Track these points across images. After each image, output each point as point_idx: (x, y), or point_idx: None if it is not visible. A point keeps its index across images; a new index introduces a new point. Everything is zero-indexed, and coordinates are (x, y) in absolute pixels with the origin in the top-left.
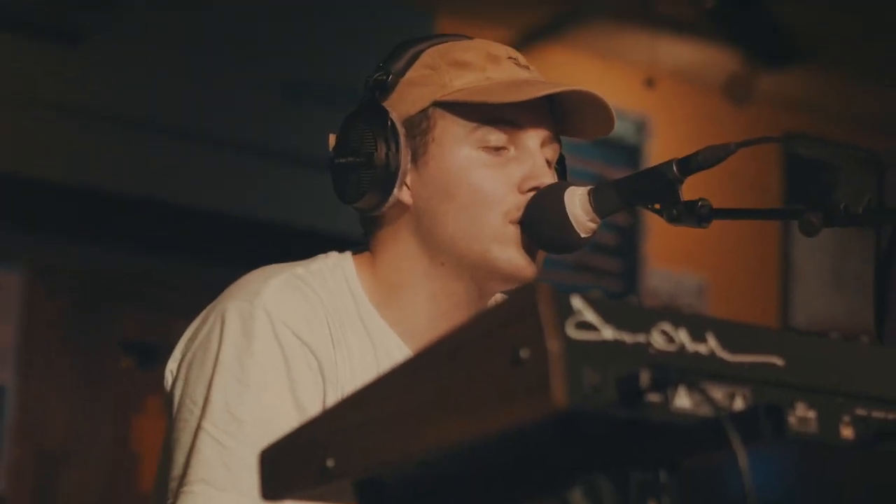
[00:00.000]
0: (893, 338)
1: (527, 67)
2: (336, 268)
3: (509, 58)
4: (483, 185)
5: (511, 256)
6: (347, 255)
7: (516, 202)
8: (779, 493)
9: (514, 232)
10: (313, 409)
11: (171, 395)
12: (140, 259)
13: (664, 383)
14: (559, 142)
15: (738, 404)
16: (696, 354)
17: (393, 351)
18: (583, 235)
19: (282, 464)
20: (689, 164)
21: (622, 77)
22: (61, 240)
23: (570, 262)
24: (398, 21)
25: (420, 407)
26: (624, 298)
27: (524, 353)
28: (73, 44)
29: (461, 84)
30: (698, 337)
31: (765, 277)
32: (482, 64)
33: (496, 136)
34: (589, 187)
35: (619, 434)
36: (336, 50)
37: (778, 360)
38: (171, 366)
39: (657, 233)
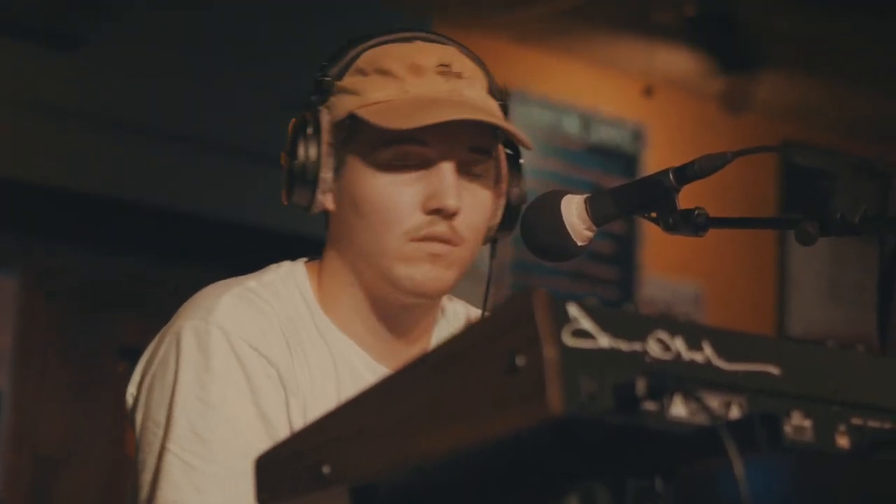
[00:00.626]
0: None
1: (458, 76)
2: (288, 277)
3: (439, 65)
4: (386, 202)
5: (410, 274)
6: (300, 262)
7: (418, 222)
8: (774, 501)
9: (414, 249)
10: (277, 418)
11: (132, 418)
12: (137, 263)
13: (660, 391)
14: (490, 152)
15: (734, 413)
16: (693, 363)
17: (348, 355)
18: (579, 243)
19: (277, 470)
20: (685, 173)
21: (619, 85)
22: (58, 244)
23: (567, 270)
24: (393, 26)
25: (416, 413)
26: (620, 306)
27: (520, 361)
28: (72, 48)
29: (378, 97)
30: (694, 345)
31: (761, 286)
32: (403, 74)
33: (405, 154)
34: (585, 195)
35: (615, 442)
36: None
37: (774, 369)
38: (131, 389)
39: (653, 241)
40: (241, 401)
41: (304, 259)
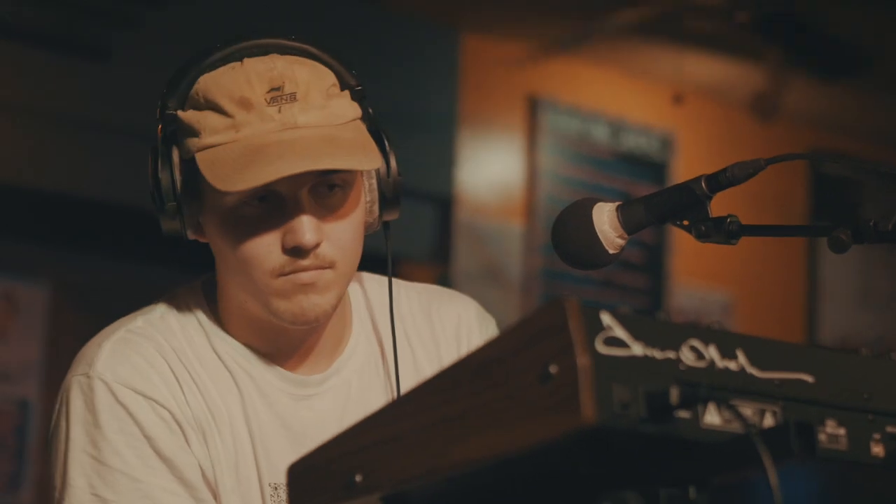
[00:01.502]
0: None
1: (292, 97)
2: (181, 305)
3: (271, 90)
4: (243, 248)
5: (289, 308)
6: (196, 286)
7: (281, 261)
8: None
9: (284, 282)
10: (178, 457)
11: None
12: (166, 274)
13: (694, 400)
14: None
15: (769, 421)
16: (726, 371)
17: (251, 367)
18: (611, 252)
19: (310, 478)
20: (718, 181)
21: (648, 93)
22: (86, 255)
23: (597, 279)
24: (422, 37)
25: (449, 422)
26: (653, 314)
27: (553, 369)
28: (101, 59)
29: (212, 140)
30: (728, 353)
31: (792, 295)
32: (233, 110)
33: (250, 196)
34: (617, 203)
35: (648, 450)
36: (362, 67)
37: (808, 377)
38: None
39: (684, 250)
40: (136, 451)
41: (201, 281)
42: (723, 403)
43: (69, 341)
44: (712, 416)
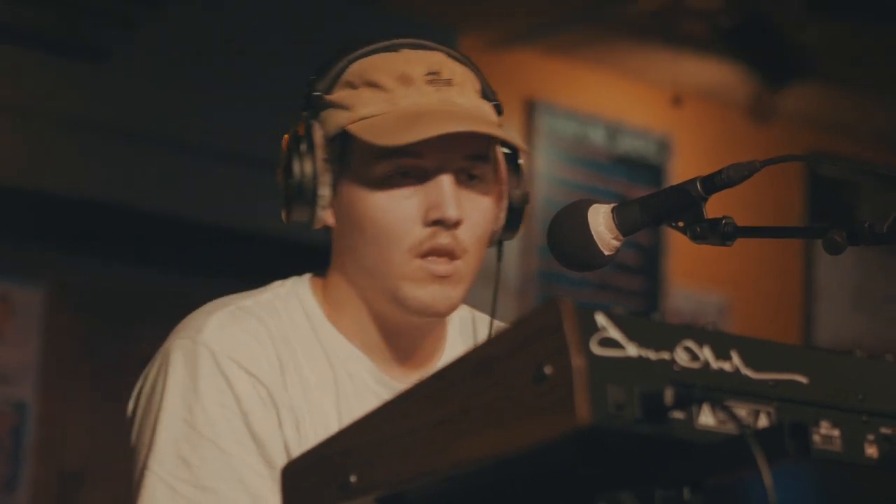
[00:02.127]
0: None
1: (448, 82)
2: (290, 294)
3: (428, 73)
4: (386, 219)
5: (418, 295)
6: (305, 278)
7: (420, 236)
8: None
9: (419, 268)
10: (269, 437)
11: (129, 434)
12: (162, 275)
13: (688, 401)
14: (484, 153)
15: (763, 422)
16: (721, 372)
17: (352, 366)
18: (606, 253)
19: (304, 478)
20: (713, 182)
21: (645, 96)
22: (83, 256)
23: (592, 281)
24: (421, 36)
25: (444, 423)
26: (648, 315)
27: (548, 370)
28: (98, 60)
29: (368, 111)
30: (722, 354)
31: (787, 296)
32: (392, 85)
33: (401, 167)
34: (612, 204)
35: (643, 451)
36: None
37: (802, 378)
38: (130, 404)
39: (679, 252)
40: (230, 423)
41: (310, 274)
42: (717, 404)
43: (66, 343)
44: (707, 417)
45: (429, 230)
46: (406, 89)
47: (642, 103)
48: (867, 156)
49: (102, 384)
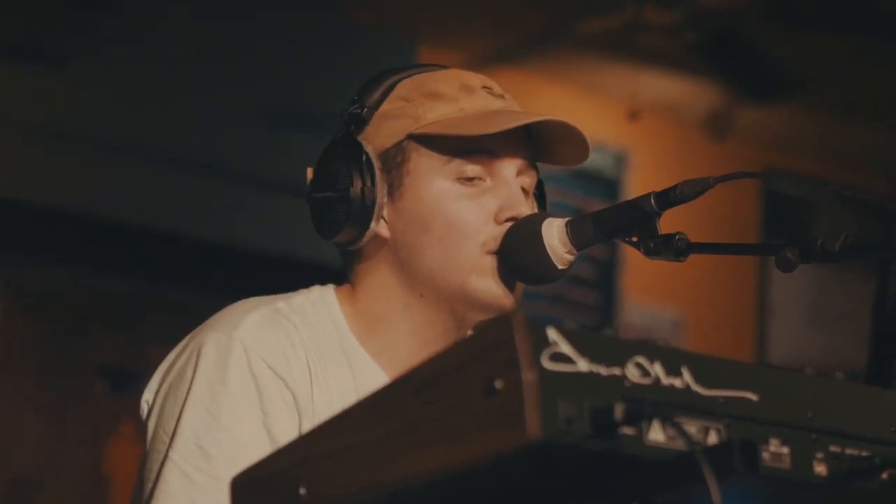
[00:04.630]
0: None
1: (501, 96)
2: (319, 301)
3: (483, 87)
4: (458, 216)
5: (489, 287)
6: (330, 288)
7: (492, 233)
8: None
9: (491, 262)
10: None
11: (146, 426)
12: (116, 283)
13: (638, 416)
14: (536, 169)
15: (712, 439)
16: (671, 388)
17: (373, 382)
18: (559, 267)
19: (254, 490)
20: (667, 198)
21: (602, 109)
22: (38, 263)
23: (548, 295)
24: (381, 50)
25: (394, 436)
26: (600, 331)
27: (499, 384)
28: (56, 67)
29: (434, 116)
30: (673, 371)
31: (742, 313)
32: (455, 94)
33: (471, 168)
34: (567, 219)
35: (593, 467)
36: (322, 79)
37: (752, 396)
38: (147, 396)
39: (635, 267)
40: (251, 420)
41: (332, 285)
42: (667, 420)
43: (16, 348)
44: (657, 433)
45: (501, 227)
46: (469, 97)
47: (599, 117)
48: (824, 173)
49: (55, 391)
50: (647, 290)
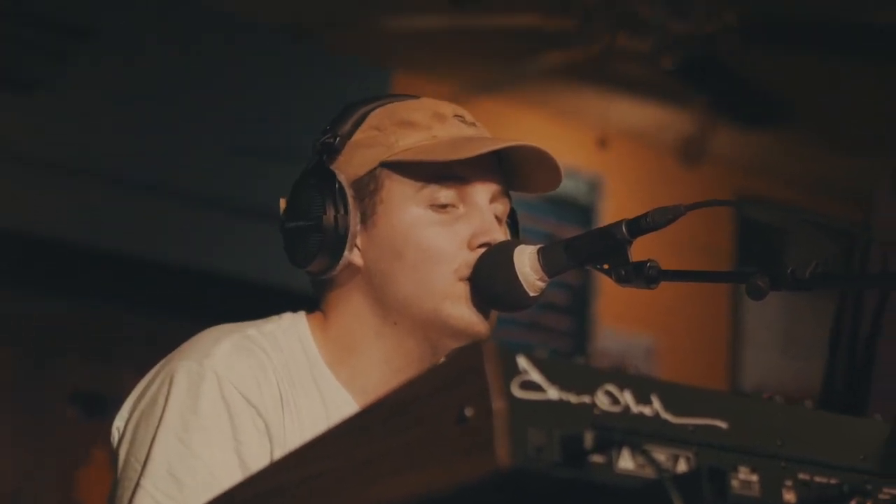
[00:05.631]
0: (876, 407)
1: (473, 124)
2: (290, 328)
3: (455, 116)
4: (432, 243)
5: (463, 313)
6: (301, 315)
7: (466, 259)
8: None
9: (464, 289)
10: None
11: (116, 453)
12: (87, 309)
13: (608, 444)
14: (509, 197)
15: (682, 467)
16: (641, 416)
17: (344, 410)
18: (531, 294)
19: None
20: (638, 225)
21: (575, 136)
22: (6, 288)
23: (521, 321)
24: (355, 77)
25: (364, 464)
26: (570, 359)
27: (469, 412)
28: (26, 92)
29: (407, 144)
30: (643, 399)
31: (715, 340)
32: (428, 122)
33: (444, 194)
34: (538, 246)
35: (562, 495)
36: (295, 106)
37: (722, 423)
38: (118, 423)
39: (608, 293)
40: (223, 448)
41: (304, 312)
42: (636, 448)
43: None
44: (626, 461)
45: (474, 254)
46: (442, 125)
47: (572, 144)
48: (797, 200)
49: (26, 417)
50: (621, 317)
